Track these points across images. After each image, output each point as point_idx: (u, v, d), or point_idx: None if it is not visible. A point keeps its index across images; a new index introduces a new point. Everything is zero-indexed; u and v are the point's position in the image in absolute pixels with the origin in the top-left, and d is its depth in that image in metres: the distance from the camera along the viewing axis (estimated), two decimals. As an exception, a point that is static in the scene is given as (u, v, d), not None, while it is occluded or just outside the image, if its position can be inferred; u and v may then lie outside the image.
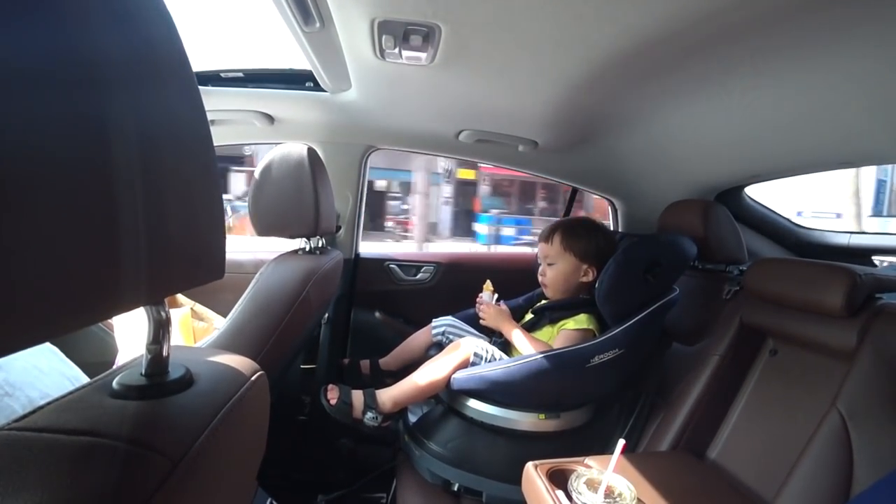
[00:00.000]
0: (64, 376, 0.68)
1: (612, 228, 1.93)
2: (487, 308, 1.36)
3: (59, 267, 0.25)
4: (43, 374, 0.63)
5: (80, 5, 0.27)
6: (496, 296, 1.42)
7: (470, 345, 1.23)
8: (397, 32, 0.89)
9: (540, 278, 1.38)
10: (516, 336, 1.28)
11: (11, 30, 0.22)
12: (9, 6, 0.22)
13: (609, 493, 0.86)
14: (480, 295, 1.42)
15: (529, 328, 1.33)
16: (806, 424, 0.95)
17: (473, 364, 1.21)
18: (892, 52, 0.78)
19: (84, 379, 0.71)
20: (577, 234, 1.34)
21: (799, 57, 0.86)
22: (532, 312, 1.40)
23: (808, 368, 1.09)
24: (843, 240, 1.76)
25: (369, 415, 1.17)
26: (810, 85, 0.94)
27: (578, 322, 1.26)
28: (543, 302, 1.35)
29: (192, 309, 1.43)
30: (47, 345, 0.71)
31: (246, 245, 1.79)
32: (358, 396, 1.19)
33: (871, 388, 0.89)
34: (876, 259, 1.74)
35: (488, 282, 1.44)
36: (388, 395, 1.19)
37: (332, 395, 1.19)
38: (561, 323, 1.28)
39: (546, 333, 1.31)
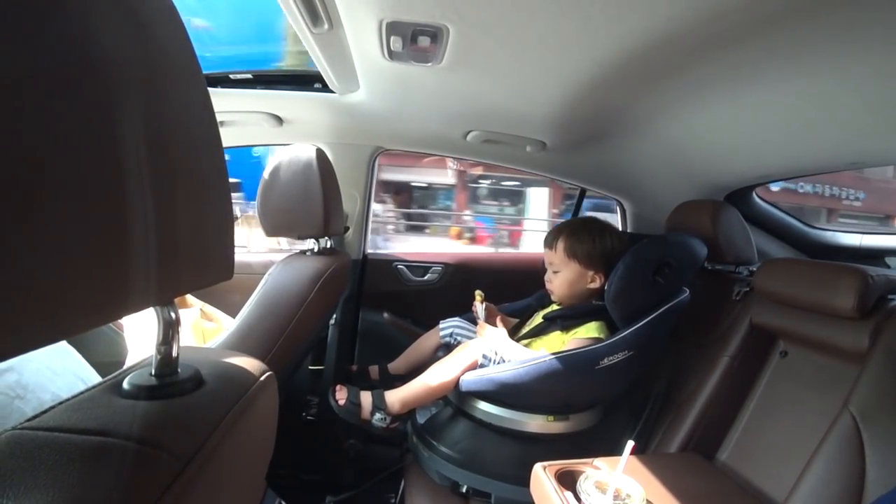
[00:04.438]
0: (78, 377, 0.68)
1: (619, 229, 1.91)
2: (481, 328, 1.30)
3: (70, 267, 0.25)
4: (56, 375, 0.64)
5: (92, 10, 0.27)
6: (484, 304, 1.37)
7: (478, 346, 1.22)
8: (405, 33, 0.89)
9: (547, 284, 1.35)
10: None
11: (26, 34, 0.23)
12: (24, 11, 0.23)
13: (618, 495, 0.85)
14: (474, 305, 1.38)
15: (538, 333, 1.31)
16: (817, 426, 0.94)
17: (482, 366, 1.20)
18: None
19: (98, 380, 0.71)
20: (580, 238, 1.29)
21: (808, 57, 0.85)
22: (543, 318, 1.36)
23: (819, 370, 1.08)
24: (854, 241, 1.74)
25: (377, 416, 1.17)
26: (819, 85, 0.93)
27: (589, 330, 1.23)
28: (555, 309, 1.33)
29: (201, 310, 1.43)
30: (64, 345, 0.72)
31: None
32: (366, 397, 1.19)
33: (883, 390, 0.87)
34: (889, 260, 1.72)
35: (478, 292, 1.38)
36: (396, 397, 1.19)
37: (341, 395, 1.19)
38: (573, 332, 1.25)
39: (557, 339, 1.27)
